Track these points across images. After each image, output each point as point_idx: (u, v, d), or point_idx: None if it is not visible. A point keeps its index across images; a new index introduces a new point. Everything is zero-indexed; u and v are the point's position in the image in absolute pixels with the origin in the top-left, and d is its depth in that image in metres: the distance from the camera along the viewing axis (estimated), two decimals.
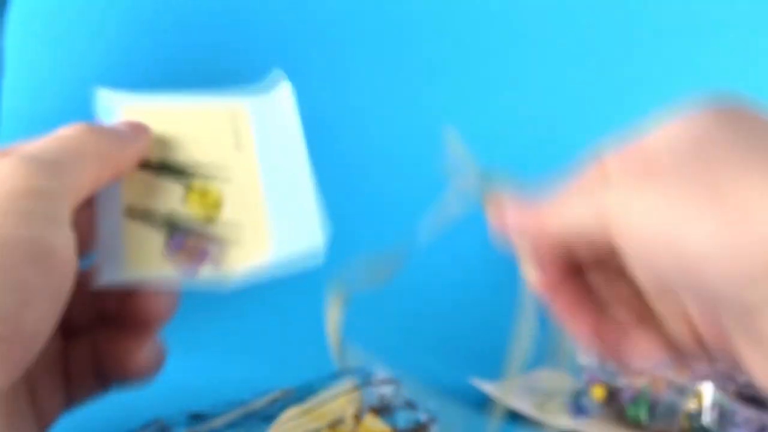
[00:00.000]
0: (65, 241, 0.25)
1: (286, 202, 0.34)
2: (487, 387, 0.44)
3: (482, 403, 0.44)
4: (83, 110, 0.34)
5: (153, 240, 0.32)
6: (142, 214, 0.32)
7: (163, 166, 0.33)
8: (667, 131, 0.26)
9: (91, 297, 0.31)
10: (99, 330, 0.31)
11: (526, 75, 0.62)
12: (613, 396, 0.43)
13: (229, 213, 0.33)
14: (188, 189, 0.33)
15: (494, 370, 0.49)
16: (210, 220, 0.33)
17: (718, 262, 0.23)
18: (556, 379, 0.49)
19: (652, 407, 0.42)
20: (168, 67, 0.58)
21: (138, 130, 0.32)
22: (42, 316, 0.25)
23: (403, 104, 0.65)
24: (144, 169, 0.33)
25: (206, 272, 0.32)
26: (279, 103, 0.36)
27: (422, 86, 0.64)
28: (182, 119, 0.35)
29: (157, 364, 0.32)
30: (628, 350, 0.29)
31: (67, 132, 0.29)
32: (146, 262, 0.31)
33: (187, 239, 0.32)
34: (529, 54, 0.62)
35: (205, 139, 0.34)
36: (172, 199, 0.33)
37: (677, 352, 0.30)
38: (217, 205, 0.34)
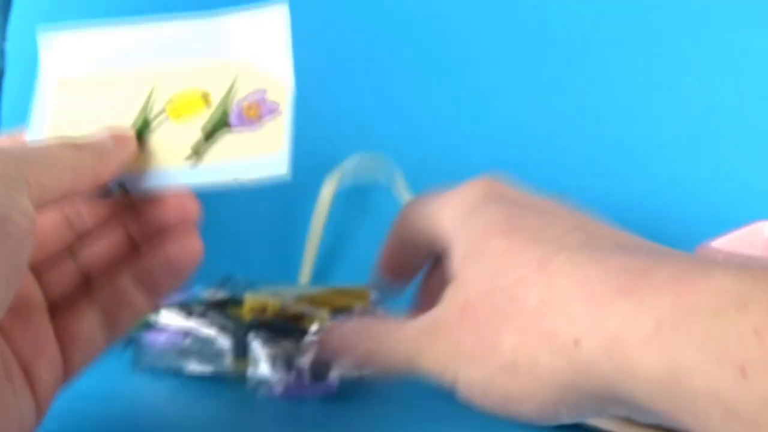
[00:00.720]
0: (23, 211, 0.26)
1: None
2: None
3: None
4: None
5: (231, 140, 0.33)
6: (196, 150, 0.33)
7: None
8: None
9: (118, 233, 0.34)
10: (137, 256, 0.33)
11: (525, 77, 0.62)
12: None
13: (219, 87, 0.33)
14: (168, 102, 0.33)
15: None
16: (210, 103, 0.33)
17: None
18: None
19: None
20: None
21: (122, 143, 0.32)
22: (1, 282, 0.25)
23: (401, 107, 0.65)
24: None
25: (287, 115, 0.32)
26: (269, 23, 0.34)
27: (422, 86, 0.64)
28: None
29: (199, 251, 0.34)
30: None
31: (49, 142, 0.31)
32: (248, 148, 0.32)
33: (242, 107, 0.33)
34: (529, 55, 0.62)
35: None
36: (188, 129, 0.33)
37: None
38: (205, 95, 0.34)
